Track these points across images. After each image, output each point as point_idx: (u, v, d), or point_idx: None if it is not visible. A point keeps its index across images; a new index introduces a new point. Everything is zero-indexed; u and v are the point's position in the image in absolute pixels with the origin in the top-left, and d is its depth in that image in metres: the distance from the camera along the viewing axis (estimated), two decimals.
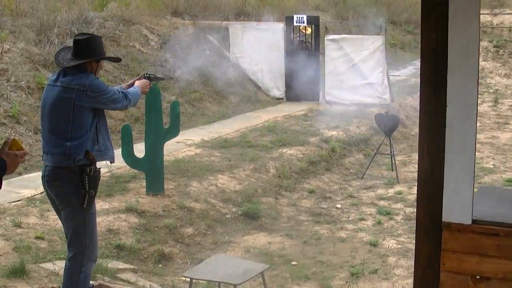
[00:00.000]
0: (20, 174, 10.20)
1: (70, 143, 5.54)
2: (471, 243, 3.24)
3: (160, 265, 7.99)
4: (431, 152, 3.25)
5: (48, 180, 5.66)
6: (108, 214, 8.62)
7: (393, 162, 12.45)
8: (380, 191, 11.30)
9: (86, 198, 5.54)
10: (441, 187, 3.24)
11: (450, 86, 3.13)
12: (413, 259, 8.02)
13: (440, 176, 3.23)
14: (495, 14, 28.65)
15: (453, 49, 3.12)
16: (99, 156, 5.71)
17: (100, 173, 5.78)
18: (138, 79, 6.52)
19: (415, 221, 9.44)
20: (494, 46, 26.14)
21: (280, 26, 18.66)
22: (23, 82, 13.00)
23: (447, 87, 3.14)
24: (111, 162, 6.04)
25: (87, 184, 5.53)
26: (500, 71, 24.84)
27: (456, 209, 3.22)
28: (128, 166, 9.72)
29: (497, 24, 28.61)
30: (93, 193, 5.62)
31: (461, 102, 3.12)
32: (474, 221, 3.23)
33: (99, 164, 5.76)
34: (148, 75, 6.68)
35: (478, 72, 3.13)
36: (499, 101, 20.87)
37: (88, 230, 5.67)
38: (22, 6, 16.52)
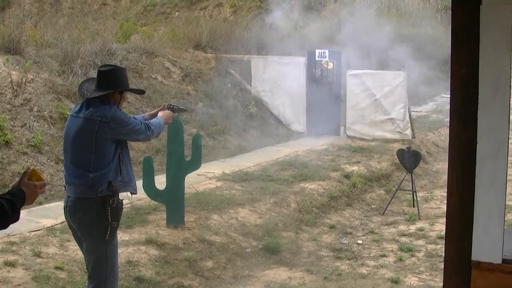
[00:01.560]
0: (40, 203, 10.21)
1: (93, 174, 5.54)
2: (501, 282, 3.17)
3: None
4: (460, 189, 3.20)
5: (70, 211, 5.65)
6: (128, 245, 8.59)
7: (415, 198, 12.34)
8: (402, 228, 11.18)
9: (109, 230, 5.52)
10: (470, 225, 3.18)
11: (481, 121, 3.09)
12: None
13: (469, 214, 3.17)
14: None
15: (484, 84, 3.08)
16: (122, 187, 5.70)
17: (122, 204, 5.76)
18: (161, 110, 6.53)
19: (437, 258, 9.32)
20: None
21: (302, 61, 18.69)
22: (45, 112, 13.07)
23: (477, 122, 3.10)
24: (132, 194, 6.03)
25: (109, 216, 5.52)
26: None
27: (486, 248, 3.16)
28: (148, 198, 9.70)
29: None
30: (116, 225, 5.60)
31: (492, 138, 3.07)
32: (504, 260, 3.17)
33: (120, 195, 5.75)
34: (171, 106, 6.68)
35: (510, 107, 3.08)
36: None
37: (109, 262, 5.65)
38: (46, 37, 16.69)
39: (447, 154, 3.31)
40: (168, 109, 6.60)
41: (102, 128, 5.57)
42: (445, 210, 3.33)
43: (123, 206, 5.93)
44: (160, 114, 6.41)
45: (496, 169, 3.09)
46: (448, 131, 3.34)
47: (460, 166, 3.18)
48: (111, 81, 5.77)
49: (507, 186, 3.20)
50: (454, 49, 3.17)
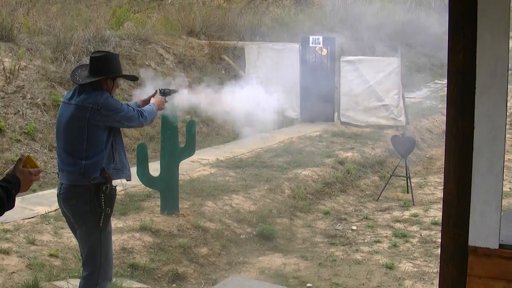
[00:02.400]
0: (34, 191, 10.18)
1: (85, 162, 5.51)
2: (498, 268, 3.16)
3: (174, 285, 7.92)
4: (457, 175, 3.19)
5: (64, 198, 5.62)
6: (122, 232, 8.58)
7: (409, 184, 12.36)
8: (396, 214, 11.20)
9: (102, 217, 5.50)
10: (467, 211, 3.17)
11: (478, 107, 3.07)
12: (430, 283, 7.91)
13: (466, 200, 3.17)
14: None
15: (481, 70, 3.06)
16: (115, 174, 5.67)
17: (116, 191, 5.74)
18: (153, 96, 6.50)
19: (431, 244, 9.33)
20: None
21: (296, 47, 18.64)
22: (39, 99, 13.02)
23: (475, 109, 3.09)
24: (127, 180, 6.00)
25: (103, 202, 5.50)
26: None
27: (482, 233, 3.15)
28: (143, 185, 9.69)
29: None
30: (109, 211, 5.58)
31: (489, 124, 3.06)
32: (501, 246, 3.16)
33: (114, 182, 5.73)
34: (162, 90, 6.66)
35: (507, 93, 3.07)
36: None
37: (104, 249, 5.63)
38: (39, 24, 16.60)
39: (441, 140, 3.30)
40: (159, 94, 6.57)
41: (94, 115, 5.53)
42: (439, 196, 3.33)
43: (117, 193, 5.91)
44: (152, 100, 6.37)
45: (493, 155, 3.08)
46: (442, 117, 3.34)
47: (457, 153, 3.17)
48: (103, 67, 5.72)
49: (504, 172, 3.19)
50: (451, 35, 3.15)
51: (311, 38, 18.59)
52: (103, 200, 5.52)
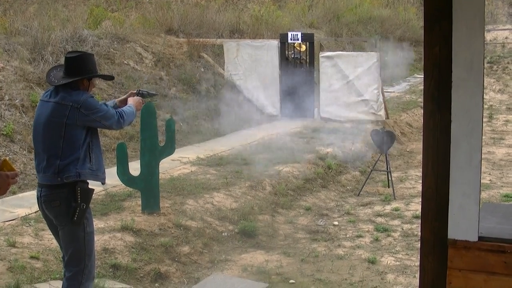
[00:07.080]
0: (14, 193, 10.12)
1: (61, 161, 5.48)
2: (478, 260, 3.17)
3: (156, 284, 7.90)
4: (435, 169, 3.19)
5: (46, 201, 5.58)
6: (103, 233, 8.54)
7: (390, 178, 12.40)
8: (377, 208, 11.23)
9: (77, 211, 5.47)
10: (446, 204, 3.18)
11: (455, 101, 3.08)
12: (412, 276, 7.94)
13: (445, 193, 3.17)
14: (488, 30, 28.80)
15: (457, 64, 3.06)
16: (90, 174, 5.64)
17: (93, 190, 5.72)
18: (130, 96, 6.46)
19: (412, 238, 9.36)
20: (488, 62, 26.24)
21: (275, 43, 18.67)
22: (17, 101, 12.93)
23: (451, 103, 3.09)
24: (102, 183, 5.97)
25: (79, 197, 5.47)
26: (494, 87, 24.91)
27: (462, 226, 3.16)
28: (123, 185, 9.65)
29: (490, 40, 28.75)
30: (84, 207, 5.54)
31: (466, 118, 3.07)
32: (480, 238, 3.17)
33: (93, 184, 5.71)
34: (141, 92, 6.62)
35: (483, 87, 3.07)
36: (494, 116, 20.94)
37: (87, 249, 5.61)
38: (16, 24, 16.51)
39: (421, 134, 3.31)
40: (137, 95, 6.54)
41: (73, 114, 5.50)
42: (420, 190, 3.34)
43: (97, 193, 5.89)
44: (130, 101, 6.33)
45: (471, 148, 3.09)
46: (421, 111, 3.35)
47: (435, 147, 3.18)
48: (79, 68, 5.69)
49: (482, 164, 3.20)
50: (426, 29, 3.15)
51: (289, 34, 18.63)
52: (79, 194, 5.49)
